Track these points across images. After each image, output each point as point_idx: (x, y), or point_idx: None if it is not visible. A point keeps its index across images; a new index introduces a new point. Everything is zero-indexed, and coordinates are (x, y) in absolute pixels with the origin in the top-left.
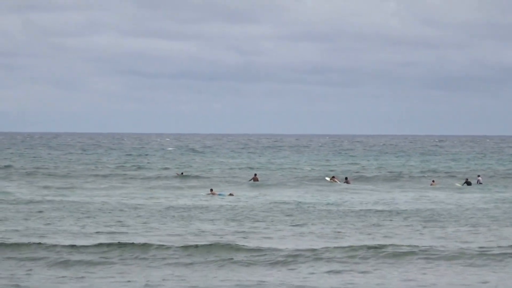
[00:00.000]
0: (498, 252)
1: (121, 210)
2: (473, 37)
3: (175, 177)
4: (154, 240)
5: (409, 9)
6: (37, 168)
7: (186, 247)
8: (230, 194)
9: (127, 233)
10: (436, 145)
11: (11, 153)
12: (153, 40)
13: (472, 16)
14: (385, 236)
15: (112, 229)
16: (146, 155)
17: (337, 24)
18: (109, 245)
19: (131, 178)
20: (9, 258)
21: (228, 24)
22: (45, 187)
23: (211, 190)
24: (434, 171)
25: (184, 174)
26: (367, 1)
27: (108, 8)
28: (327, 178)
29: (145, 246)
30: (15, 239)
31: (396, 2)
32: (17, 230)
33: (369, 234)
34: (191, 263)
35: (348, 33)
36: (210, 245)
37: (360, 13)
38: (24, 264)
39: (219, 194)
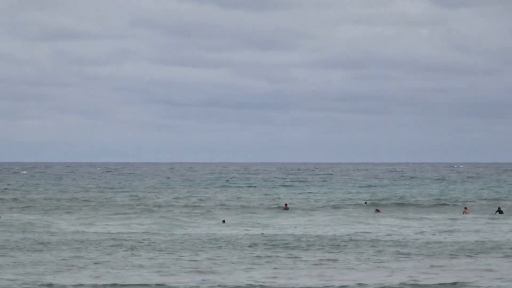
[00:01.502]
0: None
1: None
2: (505, 63)
3: (205, 208)
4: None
5: (440, 35)
6: (77, 198)
7: None
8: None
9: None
10: (474, 172)
11: (50, 182)
12: (183, 68)
13: (504, 42)
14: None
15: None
16: (186, 185)
17: (368, 51)
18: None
19: (171, 207)
20: None
21: (258, 51)
22: (90, 219)
23: (224, 221)
24: (473, 198)
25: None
26: (399, 28)
27: (137, 37)
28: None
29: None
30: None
31: (427, 28)
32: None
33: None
34: None
35: (379, 60)
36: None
37: (391, 39)
38: None
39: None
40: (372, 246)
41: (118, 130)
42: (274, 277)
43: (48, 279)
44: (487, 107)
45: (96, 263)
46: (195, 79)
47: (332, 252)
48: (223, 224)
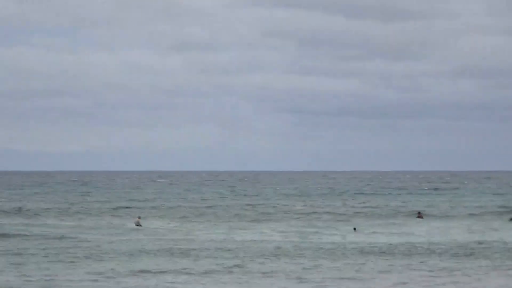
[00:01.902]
0: None
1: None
2: None
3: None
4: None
5: None
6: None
7: None
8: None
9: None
10: None
11: (187, 190)
12: (314, 78)
13: None
14: None
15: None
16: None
17: (498, 60)
18: None
19: (308, 214)
20: None
21: (388, 61)
22: (228, 226)
23: (354, 229)
24: None
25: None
26: None
27: (269, 47)
28: None
29: None
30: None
31: None
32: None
33: None
34: None
35: (509, 69)
36: None
37: None
38: None
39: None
40: (509, 253)
41: (252, 139)
42: (412, 284)
43: (181, 286)
44: None
45: (232, 270)
46: (326, 88)
47: (468, 260)
48: (355, 231)
